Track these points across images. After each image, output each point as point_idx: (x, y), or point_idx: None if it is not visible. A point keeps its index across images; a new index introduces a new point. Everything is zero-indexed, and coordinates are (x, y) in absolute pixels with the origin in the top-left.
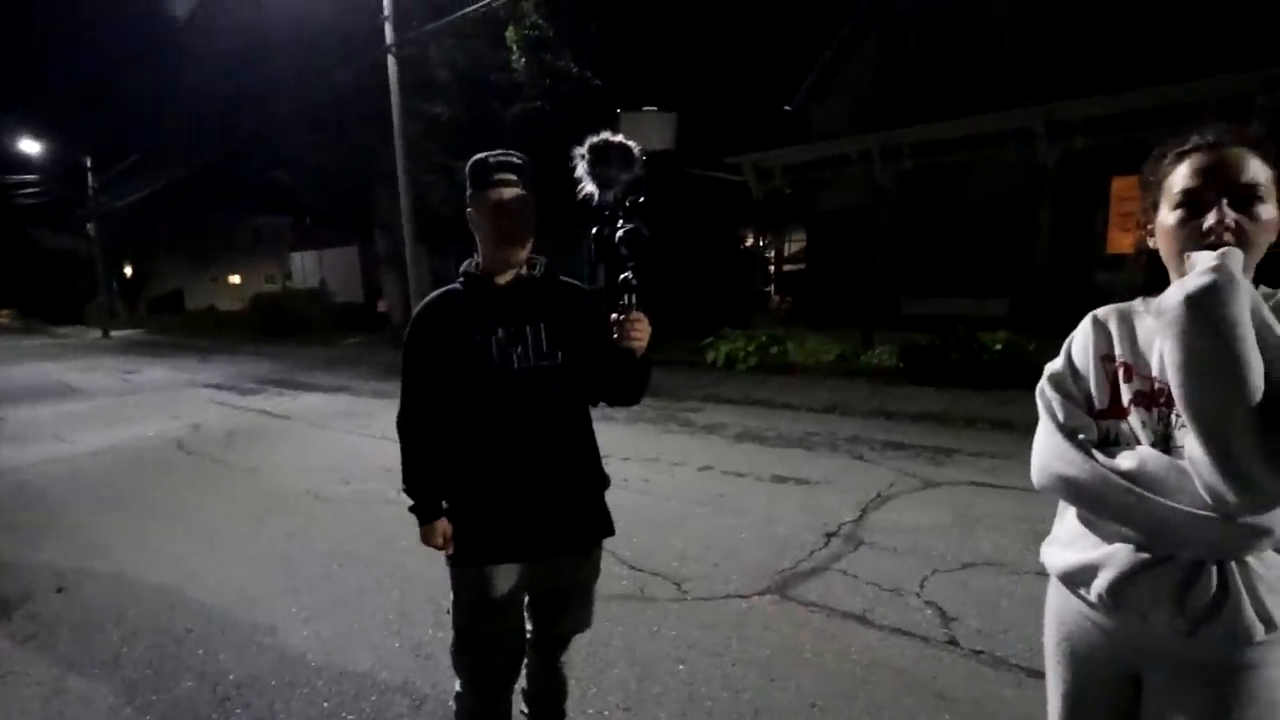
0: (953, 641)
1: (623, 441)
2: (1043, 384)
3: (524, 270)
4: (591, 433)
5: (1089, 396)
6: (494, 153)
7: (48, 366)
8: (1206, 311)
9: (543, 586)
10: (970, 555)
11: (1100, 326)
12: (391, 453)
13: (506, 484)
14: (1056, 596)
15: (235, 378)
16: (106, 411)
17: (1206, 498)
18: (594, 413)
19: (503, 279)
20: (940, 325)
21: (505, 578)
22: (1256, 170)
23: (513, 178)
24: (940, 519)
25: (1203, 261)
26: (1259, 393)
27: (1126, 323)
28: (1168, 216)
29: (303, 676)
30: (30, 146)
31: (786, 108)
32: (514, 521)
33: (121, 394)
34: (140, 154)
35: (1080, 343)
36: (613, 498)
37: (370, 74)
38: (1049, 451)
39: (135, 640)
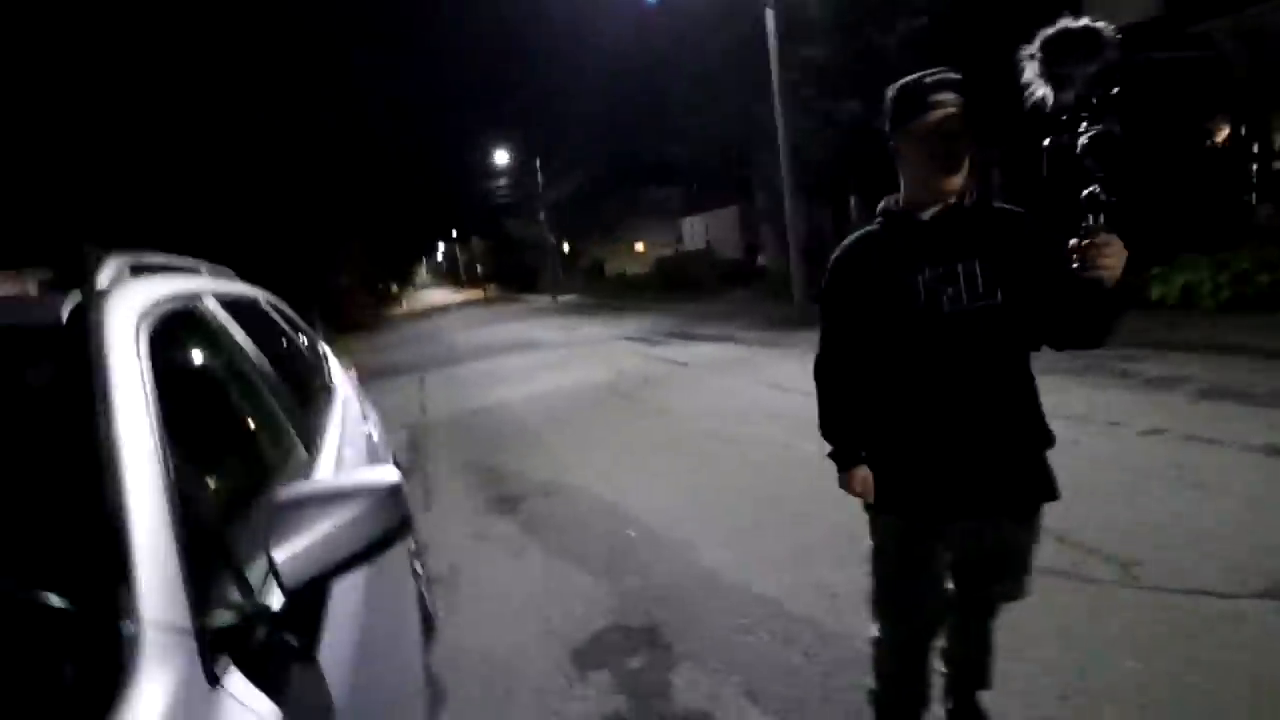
0: None
1: (1063, 396)
2: None
3: (954, 201)
4: (1033, 382)
5: None
6: (927, 72)
7: (516, 327)
8: None
9: (970, 547)
10: None
11: None
12: (781, 400)
13: (933, 436)
14: None
15: (645, 331)
16: (559, 360)
17: None
18: None
19: (928, 214)
20: None
21: (927, 533)
22: None
23: (951, 96)
24: None
25: None
26: None
27: None
28: None
29: (720, 591)
30: (500, 157)
31: None
32: (940, 476)
33: (568, 345)
34: (567, 151)
35: None
36: None
37: (741, 35)
38: None
39: (597, 541)
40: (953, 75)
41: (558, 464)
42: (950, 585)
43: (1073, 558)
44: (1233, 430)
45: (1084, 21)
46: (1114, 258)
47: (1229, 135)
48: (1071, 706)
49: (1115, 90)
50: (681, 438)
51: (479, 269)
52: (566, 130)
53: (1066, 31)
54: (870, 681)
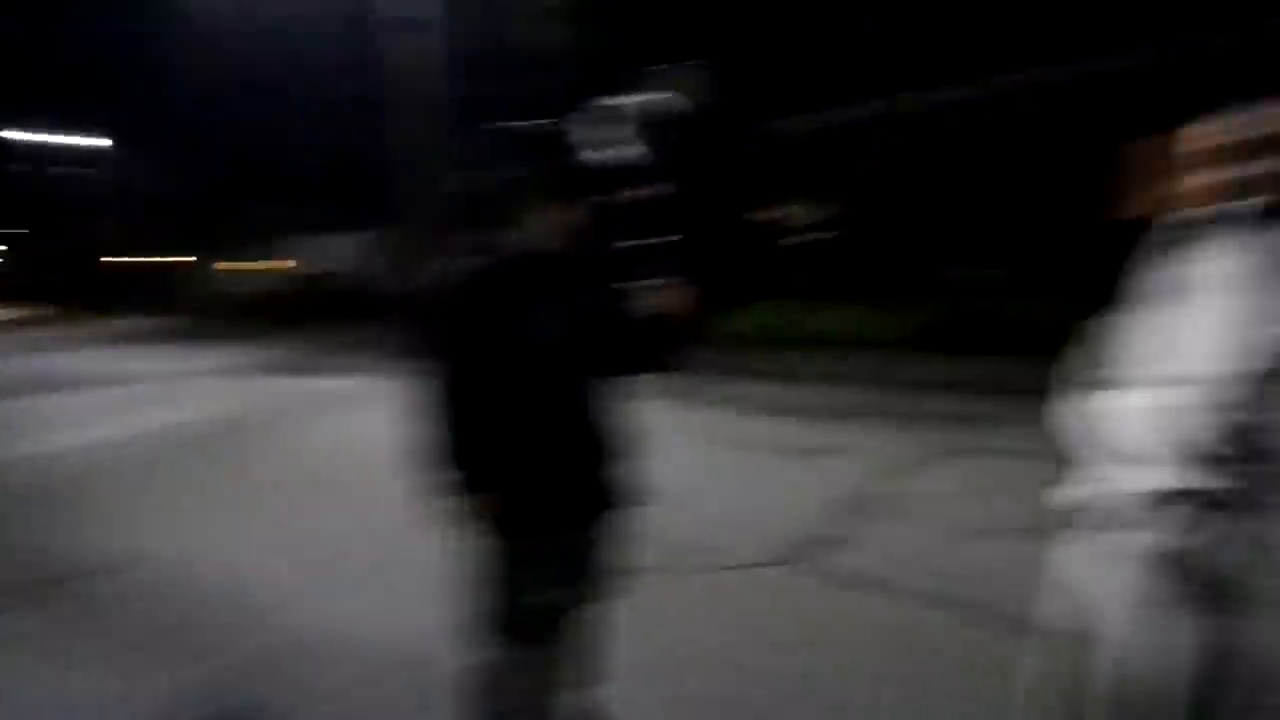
0: (970, 606)
1: (642, 414)
2: (1126, 345)
3: (560, 239)
4: (625, 403)
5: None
6: (546, 121)
7: (100, 354)
8: None
9: (578, 557)
10: (993, 522)
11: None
12: (397, 434)
13: (537, 458)
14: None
15: (267, 360)
16: (154, 396)
17: None
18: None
19: (539, 248)
20: (970, 293)
21: (539, 549)
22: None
23: (558, 146)
24: (963, 486)
25: None
26: None
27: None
28: (1194, 175)
29: (343, 646)
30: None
31: (817, 69)
32: (547, 493)
33: (167, 378)
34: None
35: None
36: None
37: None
38: (1120, 419)
39: (179, 616)
40: (562, 127)
41: (135, 527)
42: (559, 596)
43: (665, 552)
44: (781, 436)
45: (657, 95)
46: (680, 300)
47: (781, 208)
48: (662, 679)
49: (678, 158)
50: (302, 480)
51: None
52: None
53: (648, 101)
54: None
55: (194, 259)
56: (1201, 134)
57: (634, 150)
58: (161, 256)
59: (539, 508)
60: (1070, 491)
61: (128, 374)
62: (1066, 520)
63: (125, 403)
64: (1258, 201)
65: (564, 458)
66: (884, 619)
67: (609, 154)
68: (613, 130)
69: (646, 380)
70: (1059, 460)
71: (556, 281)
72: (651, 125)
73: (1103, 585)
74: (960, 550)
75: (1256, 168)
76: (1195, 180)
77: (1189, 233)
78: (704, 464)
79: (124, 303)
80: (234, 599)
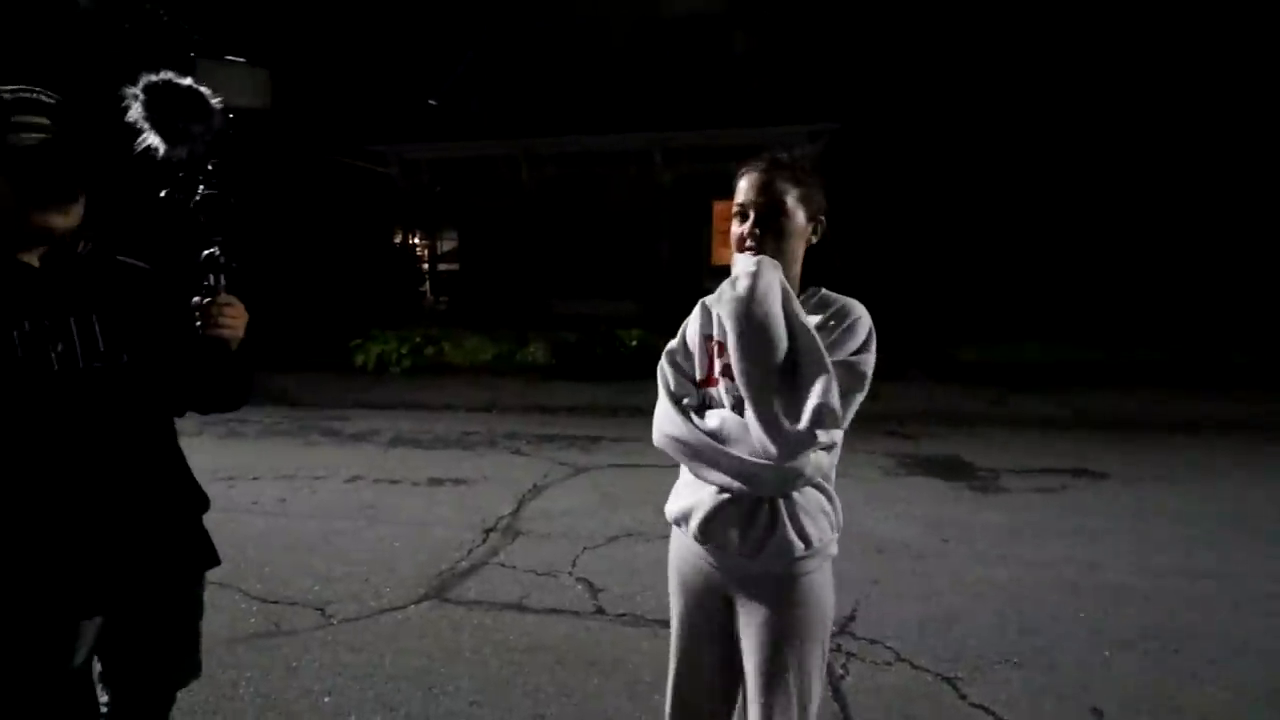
0: (599, 610)
1: (252, 459)
2: (662, 360)
3: (63, 245)
4: (177, 447)
5: (695, 369)
6: (10, 87)
7: None
8: (746, 304)
9: (125, 641)
10: (614, 530)
11: (705, 310)
12: None
13: (54, 522)
14: (674, 539)
15: None
16: None
17: (759, 448)
18: (217, 429)
19: (28, 257)
20: (586, 324)
21: (62, 641)
22: (783, 189)
23: (42, 121)
24: (588, 501)
25: (743, 265)
26: (781, 365)
27: (705, 308)
28: (732, 224)
29: None
30: None
31: (431, 101)
32: (69, 571)
33: None
34: None
35: (692, 324)
36: (241, 524)
37: None
38: (661, 415)
39: None
40: (46, 98)
41: None
42: (106, 698)
43: (274, 616)
44: (410, 469)
45: (189, 81)
46: (235, 319)
47: (403, 239)
48: None
49: (223, 160)
50: None
51: None
52: None
53: (171, 85)
54: None
55: None
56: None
57: (196, 145)
58: None
59: (40, 592)
60: (674, 493)
61: None
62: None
63: None
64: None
65: (81, 520)
66: (536, 636)
67: (178, 148)
68: (175, 118)
69: (283, 417)
70: (664, 471)
71: (64, 297)
72: (202, 117)
73: (680, 581)
74: (595, 560)
75: (740, 228)
76: (726, 232)
77: (725, 274)
78: (322, 509)
79: None
80: None
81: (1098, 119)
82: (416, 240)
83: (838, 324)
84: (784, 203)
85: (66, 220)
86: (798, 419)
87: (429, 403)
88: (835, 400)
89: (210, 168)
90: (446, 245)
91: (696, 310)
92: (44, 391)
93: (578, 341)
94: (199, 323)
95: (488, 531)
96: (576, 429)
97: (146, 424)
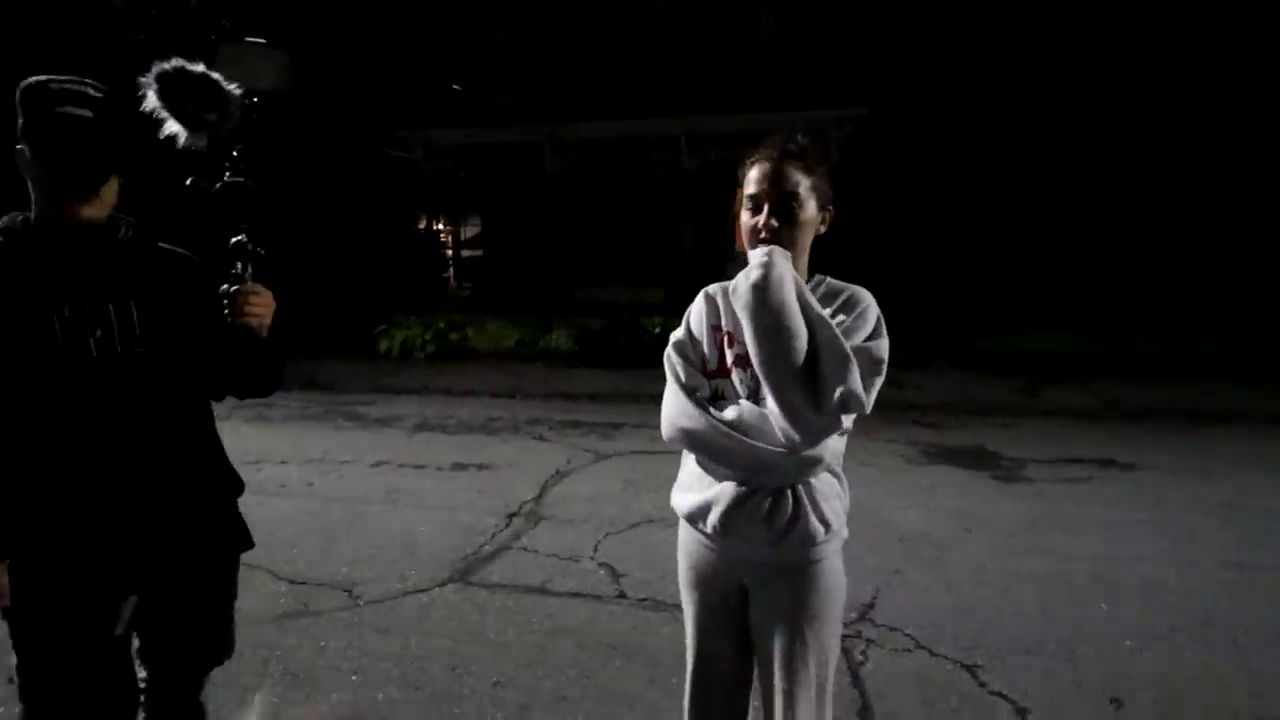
0: (621, 595)
1: (279, 443)
2: (668, 350)
3: (102, 231)
4: (213, 431)
5: (703, 359)
6: (59, 77)
7: None
8: (761, 294)
9: (161, 619)
10: (635, 516)
11: (710, 301)
12: None
13: (92, 503)
14: (683, 532)
15: None
16: None
17: (780, 437)
18: (244, 413)
19: (68, 241)
20: (609, 311)
21: (99, 621)
22: (796, 179)
23: (85, 114)
24: (611, 487)
25: (755, 256)
26: (803, 354)
27: (728, 298)
28: (742, 215)
29: None
30: None
31: (456, 87)
32: (108, 551)
33: None
34: None
35: (696, 315)
36: (269, 507)
37: None
38: (673, 408)
39: None
40: (93, 91)
41: None
42: (144, 673)
43: (303, 597)
44: (434, 454)
45: (201, 68)
46: (263, 307)
47: (426, 225)
48: None
49: (245, 146)
50: None
51: None
52: None
53: (184, 72)
54: None
55: None
56: (742, 185)
57: (219, 133)
58: None
59: (78, 571)
60: (677, 489)
61: None
62: (676, 513)
63: None
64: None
65: (119, 503)
66: (558, 619)
67: (198, 135)
68: (190, 105)
69: (311, 402)
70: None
71: (101, 280)
72: (204, 103)
73: (694, 575)
74: (617, 545)
75: (752, 218)
76: (738, 222)
77: (739, 264)
78: (349, 492)
79: None
80: None
81: (1131, 108)
82: (440, 226)
83: (848, 312)
84: (796, 193)
85: (96, 209)
86: (819, 406)
87: (453, 388)
88: (859, 385)
89: (235, 154)
90: (470, 231)
91: (700, 300)
92: (82, 376)
93: (601, 328)
94: (226, 311)
95: (511, 516)
96: (599, 416)
97: (183, 408)
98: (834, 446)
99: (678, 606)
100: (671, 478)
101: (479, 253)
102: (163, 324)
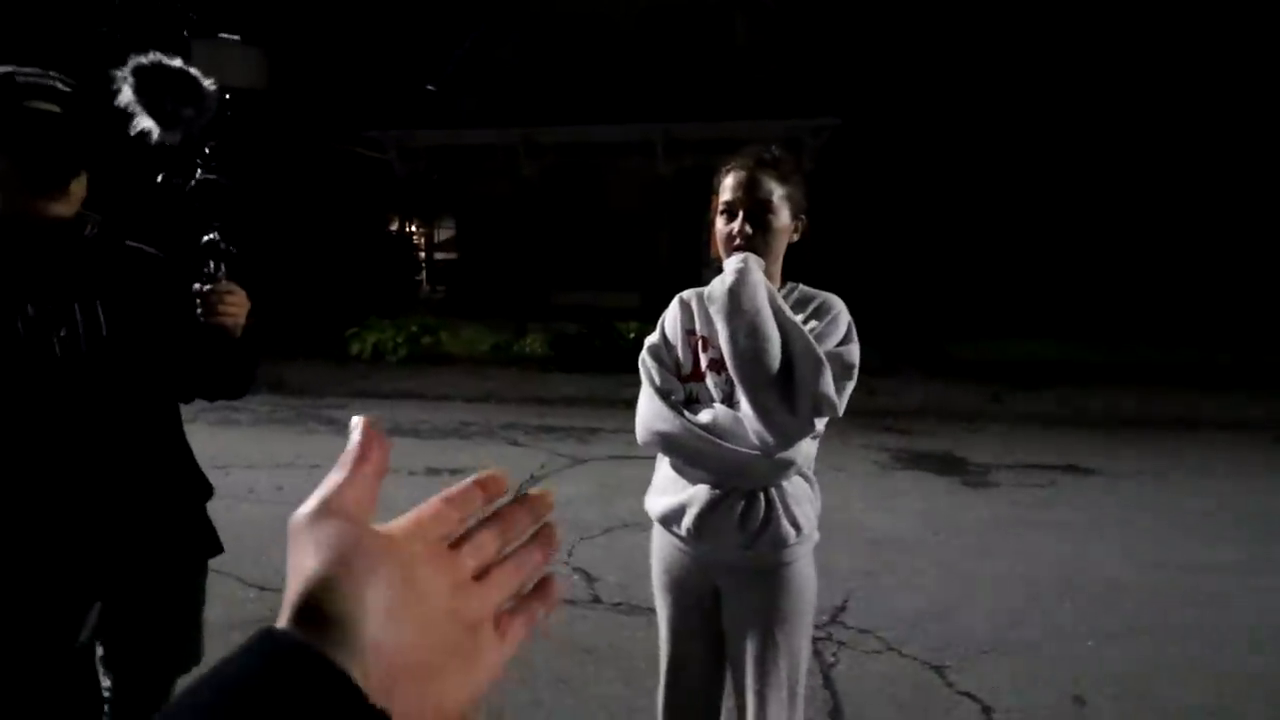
0: (596, 599)
1: (248, 447)
2: (643, 354)
3: (68, 229)
4: (181, 434)
5: (678, 363)
6: (25, 70)
7: None
8: (736, 299)
9: (126, 626)
10: (611, 521)
11: (685, 306)
12: None
13: (55, 507)
14: (656, 536)
15: None
16: None
17: (754, 440)
18: (211, 416)
19: (32, 239)
20: (585, 315)
21: (63, 627)
22: (770, 188)
23: (52, 108)
24: (586, 491)
25: (730, 263)
26: (778, 359)
27: (703, 303)
28: (718, 222)
29: None
30: None
31: (430, 88)
32: (73, 556)
33: None
34: None
35: (670, 319)
36: (237, 512)
37: None
38: (648, 411)
39: None
40: (62, 85)
41: None
42: (108, 682)
43: (271, 604)
44: (407, 458)
45: (179, 63)
46: (236, 306)
47: (400, 226)
48: None
49: (219, 143)
50: None
51: None
52: None
53: (162, 67)
54: None
55: None
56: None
57: (191, 128)
58: None
59: (40, 580)
60: (650, 493)
61: None
62: (649, 517)
63: None
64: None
65: (83, 507)
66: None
67: (172, 131)
68: (167, 100)
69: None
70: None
71: (67, 280)
72: (180, 98)
73: (668, 579)
74: (591, 550)
75: (728, 225)
76: (713, 228)
77: (715, 270)
78: None
79: None
80: None
81: (1097, 118)
82: (413, 228)
83: (820, 318)
84: (770, 201)
85: (63, 206)
86: (793, 409)
87: (426, 392)
88: (832, 389)
89: (207, 151)
90: (444, 234)
91: (675, 305)
92: (46, 377)
93: (576, 333)
94: (200, 310)
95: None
96: (574, 420)
97: (150, 410)
98: (806, 450)
99: (652, 610)
100: (646, 482)
101: (453, 255)
102: (130, 324)
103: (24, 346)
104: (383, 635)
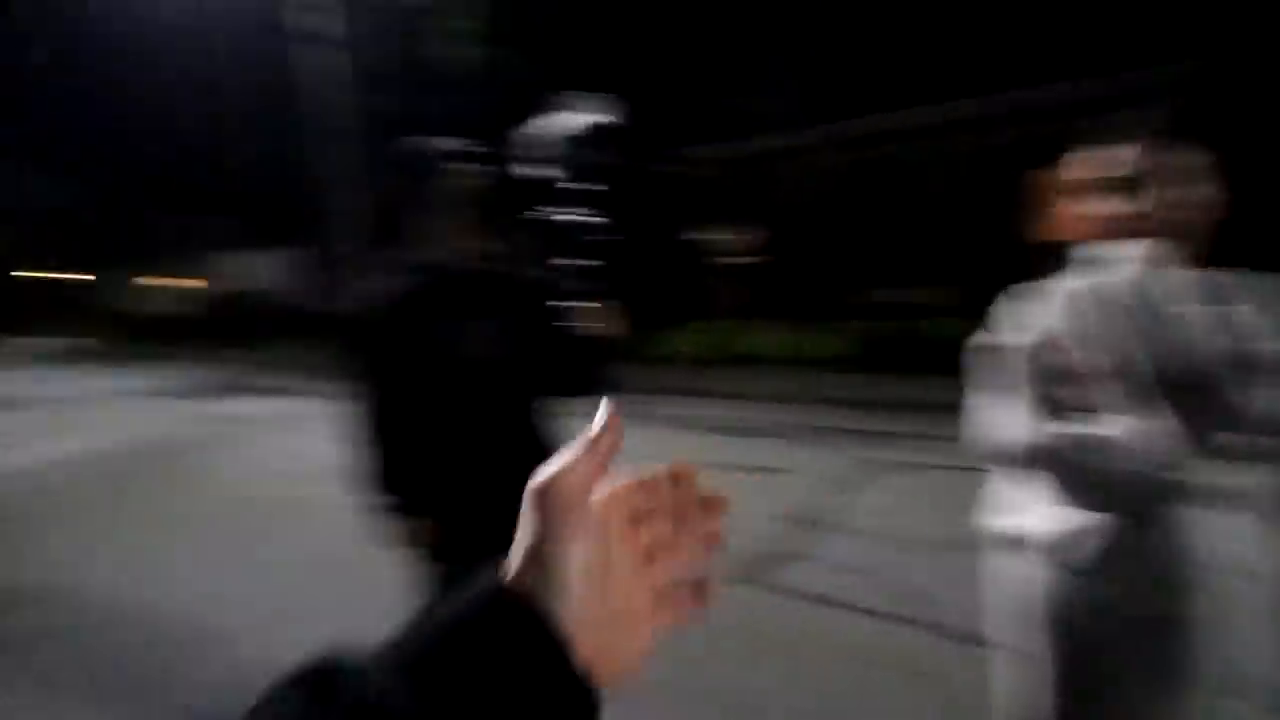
0: (930, 623)
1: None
2: (1011, 356)
3: (481, 261)
4: (558, 426)
5: (1053, 368)
6: (457, 139)
7: None
8: (1140, 293)
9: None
10: (937, 534)
11: (1069, 299)
12: (335, 456)
13: (481, 483)
14: (1017, 563)
15: (191, 384)
16: (63, 424)
17: (1164, 457)
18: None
19: (460, 269)
20: (898, 313)
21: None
22: (1163, 160)
23: (473, 169)
24: (907, 501)
25: (1128, 251)
26: (1203, 361)
27: (1089, 299)
28: (1081, 202)
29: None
30: None
31: (733, 101)
32: (485, 518)
33: (77, 403)
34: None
35: (1049, 316)
36: None
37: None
38: (1009, 421)
39: (122, 652)
40: (482, 148)
41: (56, 559)
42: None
43: None
44: (721, 455)
45: (599, 118)
46: (609, 321)
47: (705, 233)
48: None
49: (607, 185)
50: (236, 507)
51: None
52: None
53: (596, 125)
54: None
55: (96, 275)
56: (1074, 168)
57: (562, 170)
58: (62, 273)
59: (477, 533)
60: (997, 512)
61: (44, 396)
62: (998, 539)
63: (44, 427)
64: (1121, 237)
65: (500, 481)
66: (838, 633)
67: (534, 172)
68: (540, 150)
69: (587, 402)
70: (986, 477)
71: (484, 300)
72: (579, 146)
73: (1016, 602)
74: (905, 564)
75: (1114, 205)
76: (1069, 211)
77: (1079, 260)
78: None
79: (28, 321)
80: (192, 627)
81: None
82: (719, 235)
83: (1249, 309)
84: (1165, 177)
85: (483, 242)
86: (1228, 423)
87: (734, 391)
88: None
89: (592, 190)
90: (749, 238)
91: (1057, 298)
92: (477, 376)
93: (889, 332)
94: (583, 323)
95: (803, 522)
96: (890, 424)
97: (539, 403)
98: (1244, 475)
99: (978, 637)
100: (971, 495)
101: (757, 259)
102: (525, 333)
103: (464, 353)
104: (579, 592)
